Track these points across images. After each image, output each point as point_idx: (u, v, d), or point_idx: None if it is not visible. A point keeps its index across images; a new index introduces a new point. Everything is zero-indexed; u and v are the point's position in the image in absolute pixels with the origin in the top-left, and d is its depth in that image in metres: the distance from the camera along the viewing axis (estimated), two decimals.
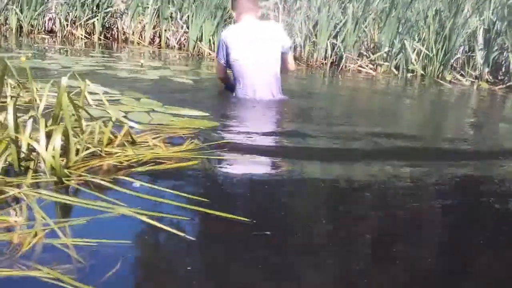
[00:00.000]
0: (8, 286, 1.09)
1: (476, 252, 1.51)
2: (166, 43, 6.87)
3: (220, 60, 3.52)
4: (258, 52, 3.34)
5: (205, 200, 1.62)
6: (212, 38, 6.49)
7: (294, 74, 4.21)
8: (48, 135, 1.79)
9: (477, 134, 3.40)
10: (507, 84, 5.87)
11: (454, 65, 6.26)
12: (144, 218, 1.44)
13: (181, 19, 6.78)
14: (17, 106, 1.94)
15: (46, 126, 1.81)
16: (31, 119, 1.86)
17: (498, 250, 1.53)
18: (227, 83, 3.72)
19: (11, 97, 2.46)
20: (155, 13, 6.84)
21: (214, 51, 6.46)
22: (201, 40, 6.54)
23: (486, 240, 1.59)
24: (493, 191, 2.09)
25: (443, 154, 2.65)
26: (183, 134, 2.40)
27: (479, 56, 6.10)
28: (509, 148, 2.92)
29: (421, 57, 6.15)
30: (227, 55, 3.40)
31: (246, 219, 1.52)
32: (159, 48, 6.78)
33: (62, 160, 1.77)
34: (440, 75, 6.10)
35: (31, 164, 1.75)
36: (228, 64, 3.46)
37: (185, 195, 1.64)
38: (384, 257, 1.42)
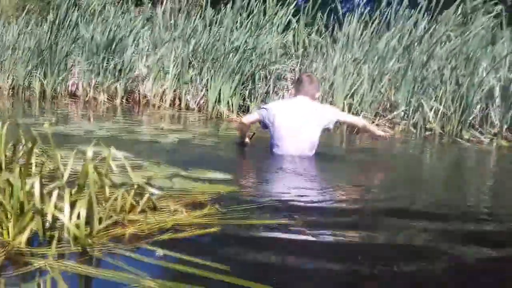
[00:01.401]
0: None
1: None
2: (186, 105, 7.03)
3: (258, 114, 3.92)
4: (302, 126, 3.77)
5: (227, 268, 1.61)
6: (231, 100, 6.63)
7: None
8: (72, 204, 1.83)
9: None
10: None
11: (472, 122, 6.27)
12: None
13: (200, 83, 6.96)
14: (42, 174, 2.00)
15: (71, 194, 1.85)
16: (56, 190, 1.90)
17: None
18: (241, 137, 4.15)
19: (36, 165, 2.53)
20: (175, 77, 7.04)
21: (232, 112, 6.59)
22: (219, 102, 6.68)
23: None
24: None
25: None
26: (204, 199, 2.43)
27: (496, 113, 6.11)
28: None
29: (438, 116, 6.18)
30: (268, 119, 3.83)
31: (268, 287, 1.51)
32: (179, 110, 6.94)
33: (86, 230, 1.80)
34: (458, 133, 6.11)
35: (56, 234, 1.77)
36: (264, 125, 3.91)
37: (207, 263, 1.64)
38: None
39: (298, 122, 3.79)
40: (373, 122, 6.24)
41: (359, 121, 4.36)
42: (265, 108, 3.96)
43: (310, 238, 2.06)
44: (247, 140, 4.18)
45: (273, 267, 1.75)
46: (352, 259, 1.88)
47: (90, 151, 1.91)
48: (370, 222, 2.33)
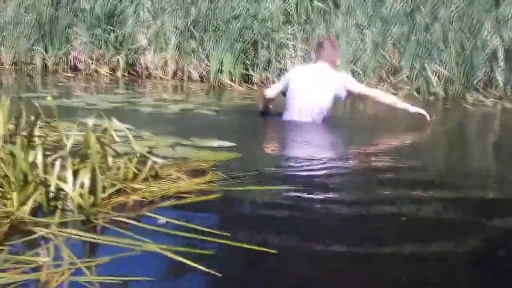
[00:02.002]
0: None
1: None
2: (188, 76, 7.01)
3: (280, 83, 4.03)
4: (310, 91, 3.79)
5: (228, 233, 1.64)
6: (233, 70, 6.60)
7: None
8: (75, 174, 1.85)
9: None
10: None
11: (476, 86, 6.23)
12: (169, 254, 1.47)
13: (202, 52, 6.92)
14: (45, 146, 2.02)
15: (73, 165, 1.87)
16: (59, 159, 1.92)
17: None
18: (264, 104, 4.16)
19: (39, 137, 2.54)
20: (177, 47, 6.99)
21: (234, 82, 6.58)
22: (221, 72, 6.65)
23: None
24: None
25: None
26: (207, 167, 2.44)
27: (500, 75, 6.06)
28: None
29: (442, 80, 6.14)
30: (287, 85, 3.89)
31: (271, 251, 1.53)
32: (181, 81, 6.92)
33: (89, 198, 1.82)
34: (462, 96, 6.08)
35: (59, 204, 1.80)
36: (284, 93, 3.95)
37: (208, 229, 1.66)
38: None
39: (308, 86, 3.80)
40: (376, 87, 6.21)
41: (375, 92, 4.20)
42: (282, 77, 4.04)
43: (312, 204, 2.08)
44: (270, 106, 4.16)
45: (275, 232, 1.77)
46: (354, 225, 1.90)
47: (91, 121, 1.93)
48: (374, 188, 2.34)
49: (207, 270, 1.40)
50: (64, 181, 1.82)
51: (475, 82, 6.18)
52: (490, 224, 1.92)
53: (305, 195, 2.15)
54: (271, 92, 4.04)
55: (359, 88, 4.00)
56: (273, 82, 6.61)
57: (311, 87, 3.80)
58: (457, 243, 1.68)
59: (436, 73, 6.16)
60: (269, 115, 4.08)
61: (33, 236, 1.56)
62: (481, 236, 1.79)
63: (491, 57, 6.18)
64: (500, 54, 6.10)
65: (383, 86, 6.27)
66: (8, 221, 1.63)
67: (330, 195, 2.20)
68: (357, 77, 6.22)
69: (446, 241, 1.71)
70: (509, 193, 2.40)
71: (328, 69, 3.88)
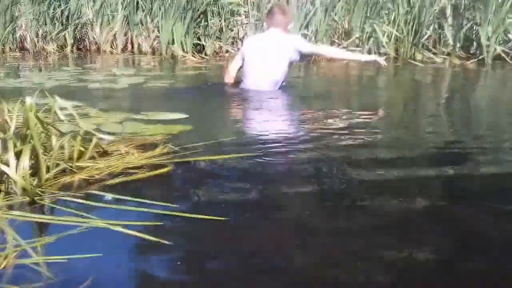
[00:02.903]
0: None
1: None
2: (138, 49, 6.87)
3: (239, 58, 3.98)
4: (263, 59, 3.80)
5: (177, 204, 1.64)
6: (184, 40, 6.49)
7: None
8: (18, 156, 1.81)
9: None
10: (479, 58, 5.95)
11: (426, 44, 6.33)
12: (117, 228, 1.47)
13: (151, 23, 6.78)
14: None
15: (15, 146, 1.82)
16: (0, 141, 1.87)
17: None
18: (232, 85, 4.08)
19: None
20: (124, 20, 6.83)
21: (186, 52, 6.49)
22: (173, 43, 6.54)
23: None
24: None
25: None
26: (157, 140, 2.42)
27: (449, 32, 6.17)
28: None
29: (392, 40, 6.21)
30: (244, 56, 3.89)
31: (219, 218, 1.54)
32: (132, 54, 6.78)
33: (34, 179, 1.78)
34: (412, 55, 6.17)
35: (3, 186, 1.76)
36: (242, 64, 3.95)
37: (156, 202, 1.66)
38: None
39: (262, 54, 3.81)
40: None
41: (325, 49, 4.31)
42: (240, 51, 3.99)
43: (263, 172, 2.09)
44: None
45: (225, 201, 1.78)
46: (305, 191, 1.92)
47: (29, 99, 1.87)
48: (327, 151, 2.36)
49: (156, 239, 1.40)
50: (6, 163, 1.77)
51: (424, 40, 6.28)
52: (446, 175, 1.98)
53: (256, 164, 2.16)
54: (231, 76, 4.02)
55: (310, 48, 4.05)
56: (226, 51, 6.57)
57: (265, 55, 3.80)
58: (403, 200, 1.74)
59: (386, 34, 6.22)
60: (226, 86, 4.03)
61: None
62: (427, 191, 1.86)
63: (440, 15, 6.27)
64: (448, 11, 6.20)
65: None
66: None
67: (281, 163, 2.21)
68: (309, 41, 6.23)
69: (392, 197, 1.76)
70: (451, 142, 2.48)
71: (281, 34, 3.87)
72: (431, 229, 1.55)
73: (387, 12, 6.27)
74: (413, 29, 6.13)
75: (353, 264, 1.33)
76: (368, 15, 6.21)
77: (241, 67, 3.96)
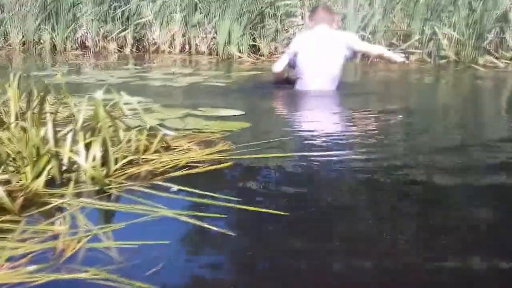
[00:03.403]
0: None
1: None
2: (196, 49, 6.98)
3: (285, 57, 3.94)
4: (320, 57, 3.76)
5: (241, 199, 1.66)
6: (240, 41, 6.55)
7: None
8: (87, 147, 1.87)
9: None
10: None
11: (487, 48, 6.14)
12: (184, 218, 1.50)
13: (209, 25, 6.87)
14: (56, 122, 2.04)
15: (85, 138, 1.89)
16: (71, 133, 1.94)
17: None
18: (278, 80, 4.10)
19: (50, 113, 2.56)
20: (183, 21, 6.95)
21: (242, 53, 6.54)
22: (229, 44, 6.61)
23: None
24: None
25: None
26: (217, 137, 2.46)
27: (511, 36, 5.96)
28: None
29: (452, 43, 6.06)
30: (294, 56, 3.82)
31: (283, 213, 1.55)
32: (189, 55, 6.90)
33: (102, 170, 1.84)
34: (474, 59, 5.99)
35: (73, 176, 1.83)
36: (293, 64, 3.89)
37: (220, 195, 1.68)
38: None
39: (318, 54, 3.77)
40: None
41: (377, 49, 4.28)
42: (290, 48, 3.95)
43: (322, 170, 2.08)
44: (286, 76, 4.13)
45: (286, 196, 1.78)
46: (364, 190, 1.91)
47: (100, 93, 1.94)
48: (386, 155, 2.33)
49: (222, 230, 1.42)
50: (76, 154, 1.84)
51: (486, 44, 6.09)
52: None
53: (315, 162, 2.15)
54: (278, 67, 3.99)
55: (362, 45, 4.05)
56: (282, 53, 6.58)
57: (321, 52, 3.76)
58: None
59: (446, 37, 6.08)
60: (282, 85, 4.05)
61: (48, 207, 1.59)
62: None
63: (502, 18, 6.07)
64: (511, 15, 5.99)
65: (394, 51, 6.20)
66: (22, 193, 1.66)
67: (340, 161, 2.20)
68: (368, 43, 6.16)
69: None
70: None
71: (331, 30, 3.85)
72: None
73: (447, 15, 6.12)
74: (475, 33, 5.96)
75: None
76: (428, 17, 6.08)
77: (290, 66, 3.93)
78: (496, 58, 6.02)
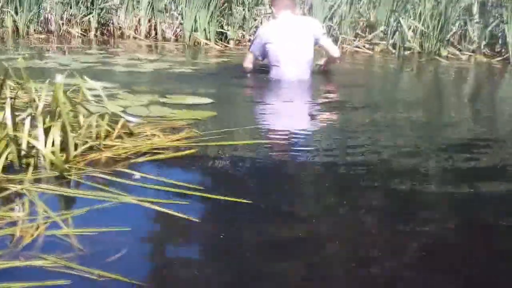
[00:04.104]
0: (13, 276, 1.12)
1: None
2: (162, 35, 6.89)
3: (253, 52, 3.93)
4: (293, 44, 3.73)
5: (204, 186, 1.65)
6: (208, 28, 6.49)
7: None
8: (47, 132, 1.83)
9: None
10: (504, 56, 5.86)
11: (451, 40, 6.25)
12: (146, 204, 1.48)
13: (175, 11, 6.79)
14: (16, 107, 1.99)
15: (44, 123, 1.85)
16: (29, 117, 1.89)
17: None
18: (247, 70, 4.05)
19: (10, 98, 2.49)
20: (149, 6, 6.84)
21: (209, 40, 6.49)
22: (196, 31, 6.54)
23: None
24: None
25: None
26: (182, 124, 2.44)
27: (475, 30, 6.08)
28: None
29: (417, 34, 6.15)
30: (264, 47, 3.80)
31: (245, 201, 1.55)
32: (155, 41, 6.80)
33: (62, 156, 1.81)
34: (437, 51, 6.10)
35: (32, 161, 1.79)
36: (263, 56, 3.88)
37: (183, 183, 1.67)
38: None
39: (290, 42, 3.72)
40: (352, 43, 6.21)
41: (336, 51, 4.14)
42: (254, 42, 3.92)
43: (286, 159, 2.09)
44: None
45: (249, 185, 1.79)
46: (326, 176, 1.93)
47: (60, 77, 1.90)
48: (350, 143, 2.36)
49: (184, 217, 1.41)
50: (35, 139, 1.80)
51: (449, 36, 6.20)
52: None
53: (280, 151, 2.17)
54: (248, 63, 4.00)
55: (326, 41, 4.00)
56: (249, 41, 6.55)
57: (292, 41, 3.73)
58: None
59: (411, 28, 6.15)
60: (251, 73, 4.04)
61: (6, 193, 1.55)
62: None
63: (466, 11, 6.18)
64: (475, 8, 6.10)
65: (359, 41, 6.26)
66: None
67: (303, 151, 2.21)
68: (333, 33, 6.20)
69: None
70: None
71: (296, 16, 3.83)
72: None
73: (413, 6, 6.20)
74: (439, 25, 6.05)
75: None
76: (394, 8, 6.14)
77: (258, 58, 3.92)
78: (459, 50, 6.14)
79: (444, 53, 6.05)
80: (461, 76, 5.17)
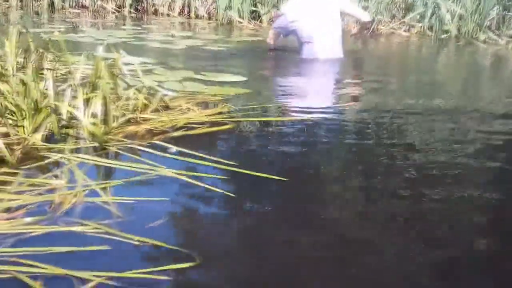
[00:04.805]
0: (54, 241, 1.15)
1: None
2: (195, 13, 6.88)
3: (277, 29, 3.96)
4: (323, 19, 3.71)
5: (239, 161, 1.65)
6: (241, 6, 6.46)
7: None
8: (86, 103, 1.85)
9: None
10: None
11: (489, 24, 6.09)
12: (183, 178, 1.49)
13: None
14: (56, 79, 2.01)
15: (84, 94, 1.87)
16: (69, 88, 1.92)
17: None
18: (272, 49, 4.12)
19: (49, 69, 2.53)
20: None
21: (242, 18, 6.45)
22: (230, 9, 6.51)
23: None
24: None
25: None
26: (217, 100, 2.44)
27: None
28: None
29: (455, 18, 6.00)
30: (289, 25, 3.77)
31: (280, 178, 1.55)
32: (188, 18, 6.80)
33: (101, 127, 1.83)
34: (475, 35, 5.95)
35: (71, 132, 1.81)
36: (287, 33, 3.89)
37: (219, 158, 1.67)
38: None
39: (323, 20, 3.71)
40: (388, 25, 6.11)
41: (365, 15, 4.16)
42: (278, 20, 3.94)
43: (319, 136, 2.08)
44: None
45: (285, 162, 1.78)
46: (360, 156, 1.91)
47: (100, 50, 1.91)
48: (384, 123, 2.33)
49: (221, 191, 1.42)
50: (76, 109, 1.82)
51: (488, 21, 6.04)
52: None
53: (314, 128, 2.15)
54: (271, 40, 4.06)
55: (349, 6, 3.99)
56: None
57: (323, 19, 3.72)
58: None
59: (449, 11, 6.01)
60: (282, 52, 4.05)
61: (47, 161, 1.58)
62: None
63: None
64: None
65: (395, 23, 6.15)
66: (21, 147, 1.65)
67: (338, 128, 2.20)
68: (369, 13, 6.09)
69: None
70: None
71: None
72: None
73: None
74: (478, 9, 5.90)
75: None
76: None
77: (282, 34, 3.93)
78: (497, 35, 5.98)
79: (482, 37, 5.90)
80: (497, 60, 5.03)
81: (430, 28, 6.03)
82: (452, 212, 1.42)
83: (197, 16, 6.87)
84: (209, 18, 6.79)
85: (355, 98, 2.85)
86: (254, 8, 6.60)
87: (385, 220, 1.37)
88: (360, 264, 1.14)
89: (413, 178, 1.65)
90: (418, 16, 6.10)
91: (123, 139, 1.80)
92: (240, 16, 6.46)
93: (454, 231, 1.33)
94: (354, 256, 1.17)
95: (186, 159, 1.66)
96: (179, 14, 6.97)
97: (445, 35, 5.98)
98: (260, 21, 6.56)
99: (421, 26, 6.04)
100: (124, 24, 5.99)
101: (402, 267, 1.13)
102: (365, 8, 5.83)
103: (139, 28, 5.51)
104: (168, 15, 6.95)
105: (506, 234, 1.33)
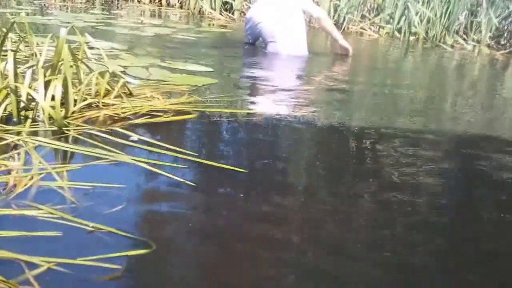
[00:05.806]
0: (4, 224, 1.12)
1: None
2: (166, 1, 6.81)
3: (248, 35, 4.06)
4: (285, 19, 3.79)
5: (200, 152, 1.65)
6: None
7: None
8: (47, 86, 1.82)
9: None
10: (509, 50, 5.85)
11: (457, 29, 6.22)
12: (142, 165, 1.48)
13: None
14: (17, 60, 1.96)
15: (45, 76, 1.83)
16: (31, 70, 1.88)
17: None
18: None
19: (11, 50, 2.47)
20: None
21: (214, 10, 6.42)
22: None
23: None
24: None
25: None
26: (182, 89, 2.43)
27: (482, 21, 6.05)
28: None
29: (424, 20, 6.11)
30: (256, 28, 3.87)
31: (240, 170, 1.55)
32: (159, 6, 6.73)
33: (61, 111, 1.80)
34: (442, 39, 6.07)
35: (30, 114, 1.78)
36: (255, 38, 4.00)
37: (180, 148, 1.66)
38: None
39: (283, 21, 3.79)
40: (358, 25, 6.16)
41: (318, 12, 4.13)
42: (246, 26, 3.99)
43: (282, 128, 2.09)
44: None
45: (246, 153, 1.79)
46: (323, 145, 1.93)
47: (63, 32, 1.87)
48: (344, 114, 2.36)
49: (181, 179, 1.41)
50: (35, 91, 1.79)
51: (456, 25, 6.17)
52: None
53: (277, 120, 2.16)
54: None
55: (311, 5, 4.04)
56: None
57: (285, 19, 3.79)
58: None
59: (418, 14, 6.11)
60: (252, 47, 4.07)
61: (2, 142, 1.54)
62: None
63: (475, 2, 6.14)
64: (484, 0, 6.07)
65: (364, 23, 6.21)
66: None
67: (301, 120, 2.21)
68: (340, 13, 6.15)
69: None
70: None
71: None
72: None
73: None
74: (447, 13, 6.02)
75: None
76: None
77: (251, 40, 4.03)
78: (464, 40, 6.11)
79: (449, 41, 6.02)
80: (463, 65, 5.14)
81: (399, 30, 6.12)
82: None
83: (168, 4, 6.81)
84: (181, 7, 6.74)
85: (314, 88, 2.89)
86: (226, 0, 6.58)
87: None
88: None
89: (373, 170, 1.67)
90: (388, 17, 6.18)
91: (83, 124, 1.77)
92: (211, 7, 6.43)
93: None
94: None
95: (146, 147, 1.65)
96: (150, 1, 6.89)
97: (413, 37, 6.08)
98: (233, 13, 6.54)
99: (390, 28, 6.12)
100: (93, 8, 5.88)
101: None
102: (336, 6, 5.88)
103: (108, 13, 5.43)
104: (138, 1, 6.87)
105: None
